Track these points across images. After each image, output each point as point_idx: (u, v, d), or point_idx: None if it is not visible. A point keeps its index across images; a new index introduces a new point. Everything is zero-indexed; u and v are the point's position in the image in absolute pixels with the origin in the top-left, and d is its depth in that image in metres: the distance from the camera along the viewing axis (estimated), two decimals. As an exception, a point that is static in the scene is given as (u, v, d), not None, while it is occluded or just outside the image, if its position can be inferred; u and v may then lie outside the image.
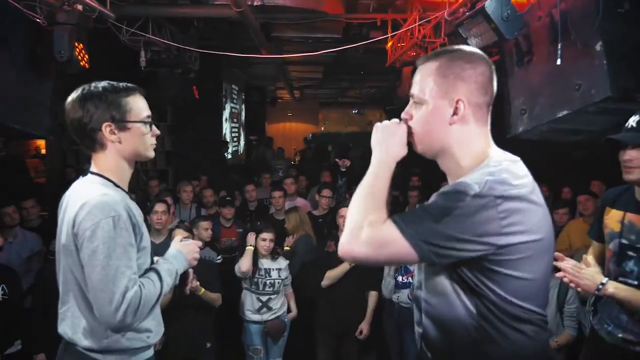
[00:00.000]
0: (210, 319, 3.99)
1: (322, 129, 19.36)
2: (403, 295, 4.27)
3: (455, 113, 1.35)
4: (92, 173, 1.80)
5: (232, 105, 12.45)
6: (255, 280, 4.21)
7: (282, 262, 4.35)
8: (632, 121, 2.09)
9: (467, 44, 3.76)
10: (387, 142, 1.42)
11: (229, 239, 5.28)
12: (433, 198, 1.35)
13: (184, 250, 1.95)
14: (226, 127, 11.61)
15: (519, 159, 1.40)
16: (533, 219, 1.29)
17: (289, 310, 4.42)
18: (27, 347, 3.93)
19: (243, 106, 14.17)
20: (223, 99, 10.89)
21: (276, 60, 7.94)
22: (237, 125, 13.24)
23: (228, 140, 11.70)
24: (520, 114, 3.85)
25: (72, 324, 1.77)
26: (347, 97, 18.32)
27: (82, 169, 8.67)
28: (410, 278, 4.29)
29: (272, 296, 4.25)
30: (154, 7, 5.17)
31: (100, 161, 1.80)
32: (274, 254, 4.31)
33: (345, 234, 1.32)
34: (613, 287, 2.11)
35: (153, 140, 1.85)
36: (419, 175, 7.28)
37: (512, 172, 1.32)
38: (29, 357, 3.93)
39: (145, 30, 5.15)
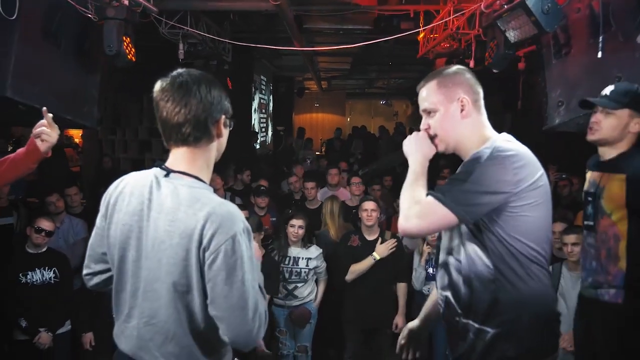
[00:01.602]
0: None
1: (348, 119, 19.36)
2: (434, 287, 4.29)
3: (462, 109, 1.77)
4: (183, 173, 1.57)
5: (261, 96, 12.57)
6: (282, 268, 4.22)
7: (314, 251, 4.33)
8: (607, 90, 2.42)
9: (505, 36, 3.78)
10: (418, 146, 1.85)
11: (263, 227, 5.40)
12: (458, 170, 1.78)
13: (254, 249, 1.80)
14: (255, 118, 11.75)
15: (512, 138, 1.79)
16: (535, 172, 1.67)
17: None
18: (77, 327, 4.15)
19: (271, 97, 14.29)
20: (253, 89, 11.02)
21: (306, 52, 8.00)
22: (265, 115, 13.37)
23: (257, 130, 11.84)
24: (557, 105, 3.85)
25: (145, 346, 1.56)
26: (374, 88, 18.25)
27: (117, 159, 8.97)
28: (441, 269, 4.33)
29: (299, 284, 4.27)
30: (194, 1, 5.28)
31: (199, 158, 1.59)
32: (305, 242, 4.33)
33: (400, 218, 1.73)
34: None
35: None
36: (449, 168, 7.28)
37: (508, 143, 1.73)
38: (79, 336, 4.16)
39: (183, 23, 5.27)
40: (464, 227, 1.74)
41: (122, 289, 1.62)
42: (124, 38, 3.74)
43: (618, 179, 2.34)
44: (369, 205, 4.21)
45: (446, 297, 1.82)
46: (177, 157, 1.59)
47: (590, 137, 2.45)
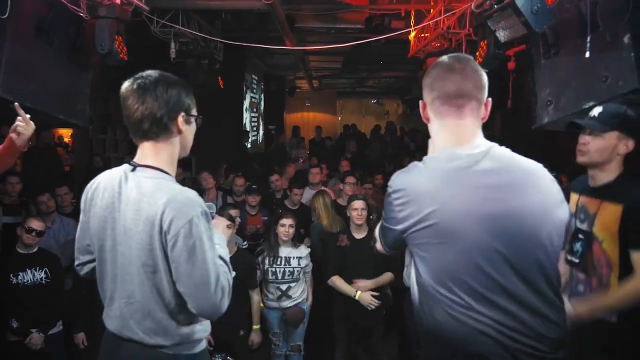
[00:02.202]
0: (246, 308, 4.08)
1: (339, 118, 19.39)
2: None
3: (423, 114, 1.70)
4: (147, 166, 1.75)
5: (252, 95, 12.56)
6: (274, 269, 4.23)
7: (304, 250, 4.35)
8: (595, 111, 2.39)
9: (495, 36, 3.82)
10: None
11: (254, 226, 5.39)
12: None
13: (219, 229, 2.02)
14: (246, 117, 11.74)
15: (428, 159, 1.62)
16: (423, 208, 1.50)
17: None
18: (68, 327, 4.14)
19: (262, 96, 14.27)
20: (244, 88, 11.00)
21: (297, 51, 8.01)
22: (256, 114, 13.35)
23: (248, 129, 11.83)
24: (546, 105, 3.90)
25: (128, 323, 1.75)
26: (365, 87, 18.28)
27: (108, 158, 8.94)
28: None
29: (292, 284, 4.28)
30: (185, 0, 5.28)
31: (161, 152, 1.77)
32: (295, 241, 4.33)
33: None
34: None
35: None
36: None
37: (404, 174, 1.61)
38: (70, 336, 4.15)
39: (175, 22, 5.27)
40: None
41: (104, 275, 1.81)
42: (116, 37, 3.74)
43: (613, 207, 2.28)
44: (359, 204, 4.23)
45: None
46: (143, 152, 1.79)
47: (580, 159, 2.41)
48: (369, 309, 4.05)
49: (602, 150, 2.32)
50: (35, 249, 3.98)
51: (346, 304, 4.19)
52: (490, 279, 1.44)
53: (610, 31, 3.12)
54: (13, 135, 2.29)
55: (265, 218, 5.45)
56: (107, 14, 3.65)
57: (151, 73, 1.75)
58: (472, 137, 1.58)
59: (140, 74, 1.76)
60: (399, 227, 1.55)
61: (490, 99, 1.62)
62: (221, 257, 1.78)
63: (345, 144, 11.16)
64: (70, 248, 4.56)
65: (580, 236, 2.40)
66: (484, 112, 1.62)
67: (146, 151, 1.77)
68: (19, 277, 3.87)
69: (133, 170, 1.76)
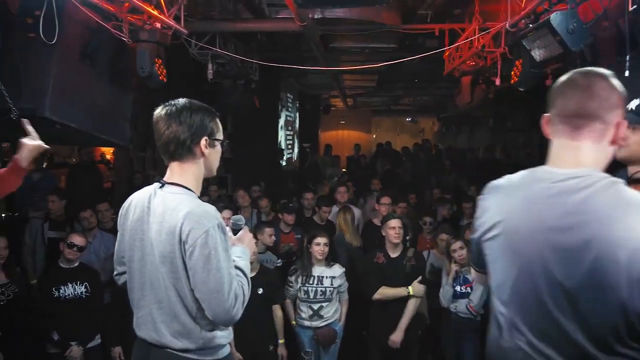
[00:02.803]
0: (270, 325, 4.10)
1: (374, 136, 19.36)
2: (461, 305, 4.27)
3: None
4: (173, 184, 1.91)
5: (287, 113, 12.71)
6: (306, 288, 4.24)
7: (338, 270, 4.33)
8: (632, 104, 2.24)
9: (531, 55, 3.77)
10: None
11: (288, 245, 5.41)
12: None
13: (245, 243, 2.08)
14: (281, 135, 11.88)
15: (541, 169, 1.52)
16: (492, 218, 1.50)
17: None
18: (106, 340, 4.24)
19: (297, 114, 14.42)
20: (279, 107, 11.16)
21: (333, 71, 8.10)
22: (291, 132, 13.49)
23: (283, 147, 11.96)
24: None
25: (157, 327, 1.88)
26: (399, 105, 18.22)
27: (147, 175, 9.17)
28: (469, 288, 4.29)
29: (324, 304, 4.26)
30: (222, 23, 5.42)
31: (186, 171, 1.93)
32: (329, 261, 4.33)
33: None
34: None
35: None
36: (477, 185, 7.23)
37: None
38: (108, 350, 4.24)
39: (212, 44, 5.41)
40: None
41: (132, 284, 1.96)
42: (156, 60, 3.87)
43: None
44: (396, 222, 4.22)
45: None
46: (171, 171, 1.95)
47: (619, 154, 2.38)
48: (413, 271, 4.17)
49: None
50: (76, 264, 4.11)
51: (381, 324, 4.18)
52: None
53: (650, 49, 3.05)
54: (18, 155, 2.25)
55: (299, 236, 5.47)
56: (148, 38, 3.80)
57: (180, 100, 1.92)
58: (583, 160, 1.41)
59: (170, 101, 1.93)
60: (475, 235, 1.57)
61: (624, 120, 1.43)
62: (240, 268, 1.92)
63: (376, 162, 11.15)
64: (110, 263, 4.65)
65: None
66: (614, 135, 1.42)
67: (173, 170, 1.94)
68: (61, 290, 4.00)
69: (161, 187, 1.93)
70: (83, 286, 4.08)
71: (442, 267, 4.51)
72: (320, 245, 4.23)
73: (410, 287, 4.11)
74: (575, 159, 1.41)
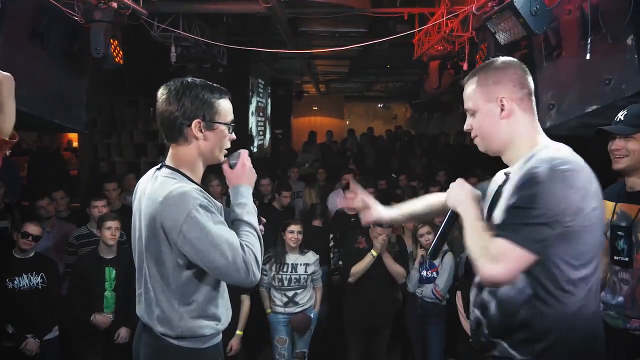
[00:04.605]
0: (237, 311, 4.01)
1: (347, 122, 19.33)
2: (427, 290, 4.29)
3: (502, 109, 1.65)
4: (168, 167, 1.89)
5: (259, 99, 12.55)
6: (280, 276, 4.22)
7: (312, 257, 4.33)
8: (620, 115, 2.34)
9: (495, 38, 3.75)
10: (464, 193, 1.74)
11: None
12: (514, 196, 1.55)
13: (244, 178, 1.94)
14: (252, 121, 11.73)
15: (563, 145, 1.65)
16: (593, 189, 1.54)
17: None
18: (64, 332, 4.11)
19: (269, 100, 14.26)
20: (250, 93, 10.99)
21: (302, 55, 7.99)
22: (263, 119, 13.34)
23: (254, 134, 11.81)
24: (549, 108, 3.81)
25: (146, 309, 1.89)
26: (372, 91, 18.24)
27: (113, 162, 8.96)
28: (434, 273, 4.31)
29: (299, 291, 4.26)
30: (185, 4, 5.25)
31: (180, 154, 1.88)
32: (302, 248, 4.32)
33: (480, 271, 1.57)
34: None
35: (228, 144, 1.93)
36: (446, 170, 7.26)
37: (560, 152, 1.59)
38: (66, 342, 4.12)
39: (175, 27, 5.25)
40: None
41: (135, 265, 1.97)
42: (112, 41, 3.72)
43: None
44: None
45: (476, 316, 1.74)
46: (169, 153, 1.93)
47: (618, 166, 2.33)
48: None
49: (637, 151, 2.26)
50: (32, 254, 3.95)
51: (356, 305, 4.22)
52: None
53: (612, 33, 3.04)
54: None
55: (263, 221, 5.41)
56: (102, 17, 3.64)
57: (180, 80, 1.87)
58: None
59: (170, 82, 1.87)
60: (577, 214, 1.53)
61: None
62: (247, 222, 1.84)
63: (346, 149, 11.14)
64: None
65: (620, 233, 2.34)
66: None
67: (170, 152, 1.92)
68: (15, 281, 3.84)
69: (159, 169, 1.92)
70: (39, 277, 3.93)
71: (410, 253, 4.51)
72: (294, 233, 4.23)
73: (372, 250, 4.12)
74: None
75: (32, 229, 3.90)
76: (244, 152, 1.97)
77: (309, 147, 12.00)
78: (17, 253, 3.91)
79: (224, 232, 1.75)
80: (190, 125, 1.82)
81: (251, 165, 1.97)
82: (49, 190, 4.90)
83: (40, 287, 3.92)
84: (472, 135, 1.75)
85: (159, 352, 1.89)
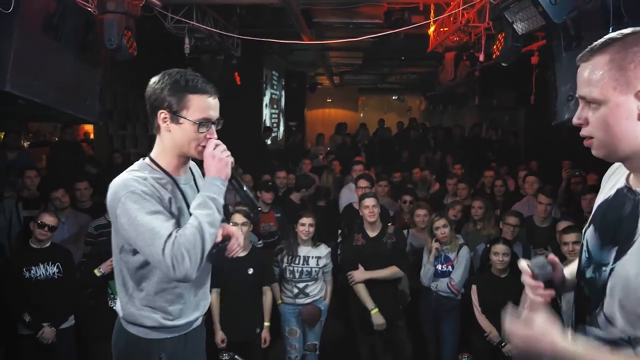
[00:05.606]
0: (260, 306, 4.08)
1: (361, 115, 19.23)
2: (442, 284, 4.25)
3: None
4: (148, 156, 1.93)
5: (272, 91, 12.53)
6: (292, 268, 4.22)
7: (324, 250, 4.32)
8: None
9: (513, 28, 3.67)
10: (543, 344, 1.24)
11: (268, 224, 5.33)
12: None
13: (212, 169, 1.83)
14: (266, 113, 11.72)
15: None
16: None
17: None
18: (80, 322, 4.15)
19: (283, 92, 14.23)
20: (263, 85, 10.98)
21: (316, 46, 7.94)
22: (276, 111, 13.32)
23: (269, 125, 11.81)
24: (567, 100, 3.73)
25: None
26: (387, 83, 18.08)
27: (128, 154, 9.03)
28: (450, 267, 4.27)
29: (309, 282, 4.25)
30: (198, -5, 5.25)
31: (157, 143, 1.93)
32: (315, 240, 4.31)
33: None
34: None
35: (204, 142, 1.84)
36: (461, 163, 7.18)
37: None
38: (81, 331, 4.16)
39: (189, 18, 5.23)
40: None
41: None
42: (125, 32, 3.72)
43: None
44: (370, 201, 4.17)
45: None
46: None
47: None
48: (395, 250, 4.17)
49: None
50: (48, 244, 4.00)
51: (360, 303, 4.15)
52: None
53: (635, 22, 2.95)
54: None
55: (278, 215, 5.39)
56: (115, 8, 3.64)
57: (172, 69, 1.86)
58: None
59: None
60: None
61: None
62: (195, 217, 1.75)
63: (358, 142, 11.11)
64: (83, 244, 4.59)
65: None
66: None
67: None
68: (32, 271, 3.90)
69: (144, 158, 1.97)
70: (55, 267, 3.98)
71: (423, 246, 4.47)
72: (305, 225, 4.22)
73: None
74: None
75: (48, 219, 3.94)
76: (210, 142, 1.84)
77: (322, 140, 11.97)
78: (34, 243, 3.96)
79: (153, 221, 1.71)
80: (156, 114, 1.84)
81: (222, 152, 1.84)
82: (69, 181, 4.94)
83: (56, 277, 3.97)
84: (585, 133, 1.29)
85: (115, 331, 1.99)
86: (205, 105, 1.82)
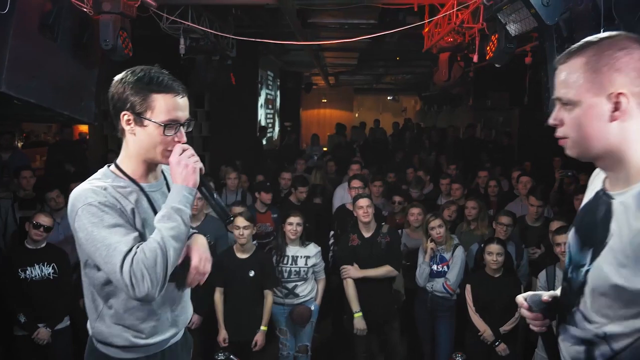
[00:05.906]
0: (262, 306, 4.08)
1: (357, 115, 19.27)
2: (437, 284, 4.27)
3: (616, 109, 1.22)
4: (114, 163, 1.78)
5: (268, 91, 12.53)
6: (280, 268, 4.20)
7: (313, 249, 4.30)
8: None
9: (506, 29, 3.70)
10: None
11: (264, 225, 5.33)
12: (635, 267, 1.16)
13: (175, 177, 1.68)
14: (261, 113, 11.72)
15: None
16: None
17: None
18: (75, 322, 4.16)
19: (278, 92, 14.24)
20: (259, 85, 10.99)
21: (311, 47, 7.96)
22: (272, 111, 13.33)
23: (264, 125, 11.82)
24: (560, 101, 3.76)
25: None
26: (382, 84, 18.14)
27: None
28: (445, 267, 4.29)
29: (299, 283, 4.24)
30: (193, -4, 5.25)
31: (123, 148, 1.77)
32: (303, 240, 4.30)
33: None
34: None
35: (170, 147, 1.69)
36: (456, 164, 7.22)
37: None
38: (77, 331, 4.16)
39: (184, 18, 5.24)
40: None
41: None
42: (121, 32, 3.73)
43: None
44: (364, 202, 4.19)
45: None
46: None
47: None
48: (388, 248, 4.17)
49: None
50: (43, 245, 4.00)
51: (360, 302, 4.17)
52: None
53: (625, 24, 2.98)
54: None
55: (275, 215, 5.40)
56: (111, 9, 3.64)
57: (129, 68, 1.72)
58: None
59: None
60: None
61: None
62: (158, 230, 1.61)
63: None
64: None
65: None
66: None
67: None
68: (27, 272, 3.90)
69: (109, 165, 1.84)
70: (50, 267, 3.99)
71: (417, 247, 4.49)
72: (292, 225, 4.20)
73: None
74: None
75: (44, 219, 3.95)
76: (177, 147, 1.69)
77: (317, 141, 12.02)
78: (29, 244, 3.97)
79: (111, 236, 1.58)
80: (119, 115, 1.68)
81: (189, 158, 1.68)
82: (64, 181, 4.94)
83: (51, 277, 3.98)
84: (560, 134, 1.33)
85: (87, 349, 1.85)
86: (171, 105, 1.67)
